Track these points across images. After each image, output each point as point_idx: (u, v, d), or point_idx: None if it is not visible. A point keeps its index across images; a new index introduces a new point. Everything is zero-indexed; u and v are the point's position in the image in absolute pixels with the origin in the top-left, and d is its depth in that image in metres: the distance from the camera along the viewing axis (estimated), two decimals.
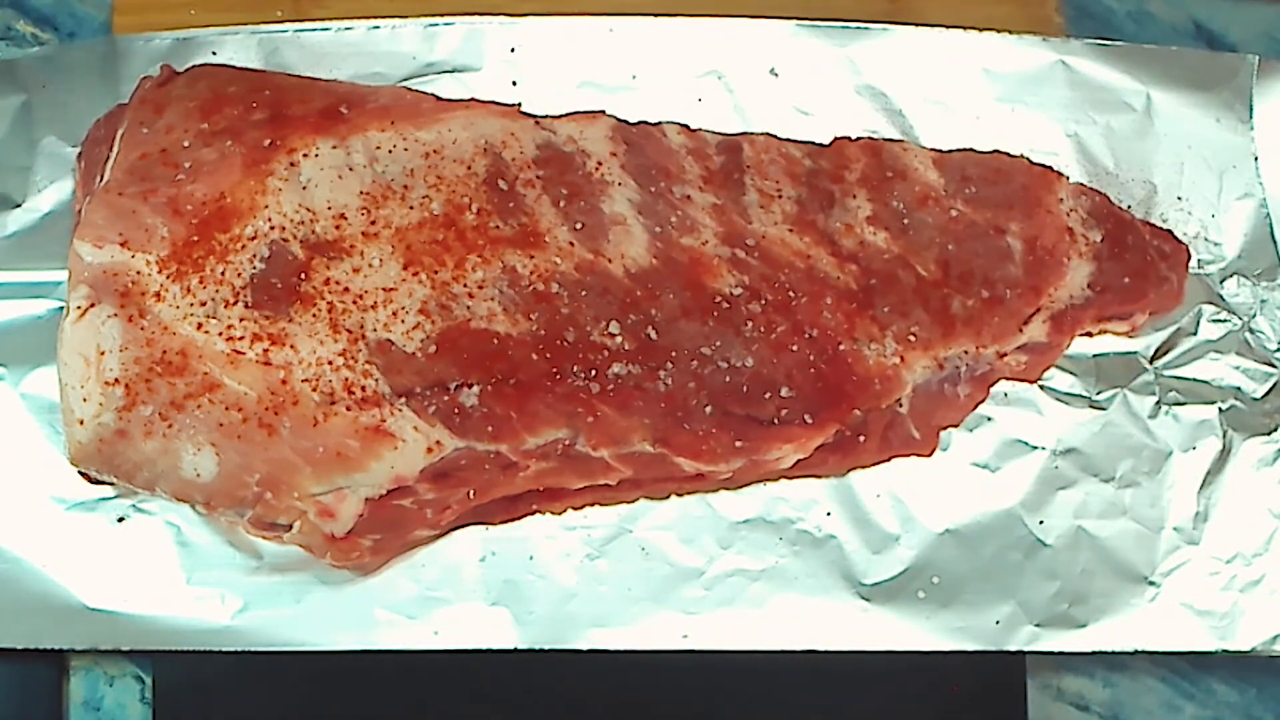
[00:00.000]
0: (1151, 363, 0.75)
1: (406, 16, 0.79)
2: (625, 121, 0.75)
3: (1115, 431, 0.73)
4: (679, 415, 0.68)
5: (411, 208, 0.70)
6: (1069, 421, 0.74)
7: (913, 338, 0.72)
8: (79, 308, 0.67)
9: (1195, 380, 0.75)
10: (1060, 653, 0.70)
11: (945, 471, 0.72)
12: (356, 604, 0.67)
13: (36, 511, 0.68)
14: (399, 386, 0.66)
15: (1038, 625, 0.69)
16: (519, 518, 0.70)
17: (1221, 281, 0.78)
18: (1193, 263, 0.77)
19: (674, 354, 0.69)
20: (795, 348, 0.70)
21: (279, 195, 0.69)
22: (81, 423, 0.65)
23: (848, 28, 0.81)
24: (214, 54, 0.78)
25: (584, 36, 0.79)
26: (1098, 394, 0.74)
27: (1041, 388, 0.74)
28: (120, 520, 0.68)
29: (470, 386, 0.67)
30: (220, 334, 0.66)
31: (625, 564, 0.69)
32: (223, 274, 0.67)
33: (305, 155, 0.70)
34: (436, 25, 0.79)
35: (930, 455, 0.72)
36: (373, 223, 0.69)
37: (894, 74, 0.81)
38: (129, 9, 0.81)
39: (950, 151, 0.77)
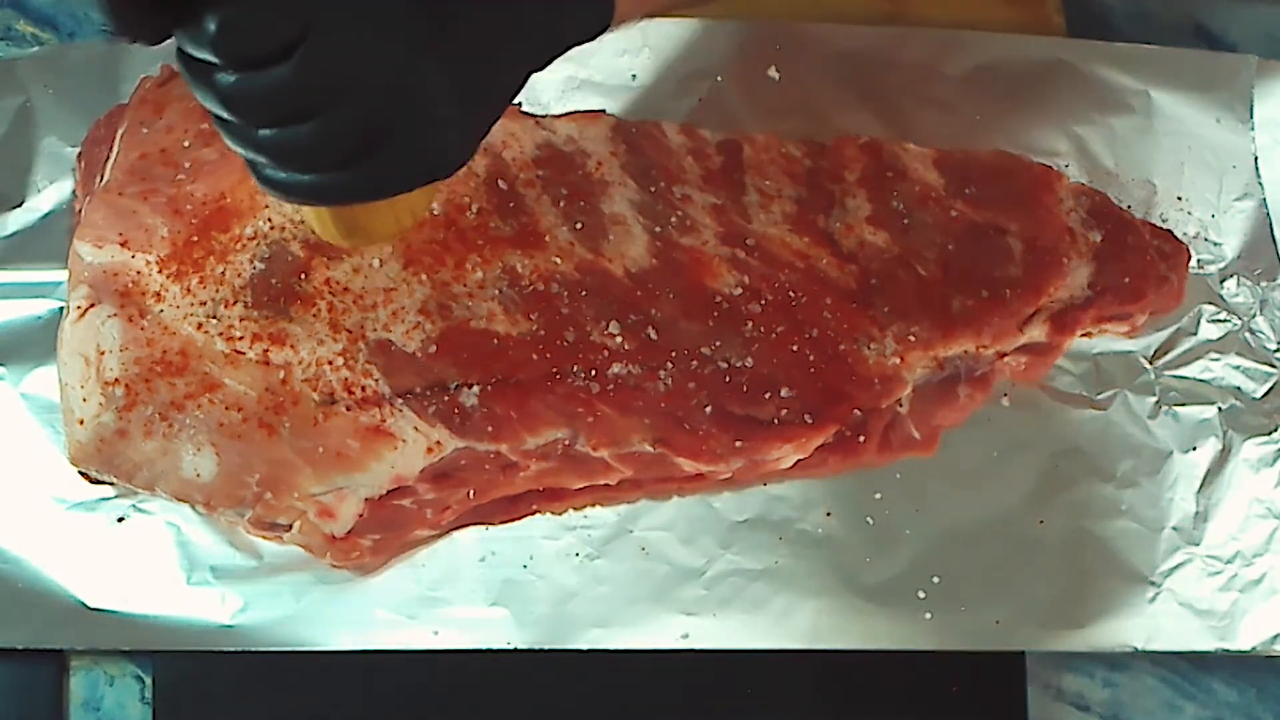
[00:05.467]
0: (1151, 363, 0.75)
1: None
2: (625, 121, 0.75)
3: (1115, 431, 0.73)
4: (679, 415, 0.68)
5: None
6: (1069, 421, 0.74)
7: (913, 338, 0.72)
8: (79, 308, 0.67)
9: (1195, 380, 0.75)
10: (1060, 653, 0.70)
11: (945, 471, 0.72)
12: (356, 604, 0.67)
13: (36, 511, 0.68)
14: (399, 386, 0.66)
15: (1038, 625, 0.69)
16: (519, 518, 0.69)
17: (1221, 281, 0.78)
18: (1193, 263, 0.77)
19: (674, 354, 0.69)
20: (795, 348, 0.70)
21: None
22: (81, 423, 0.65)
23: (848, 28, 0.81)
24: None
25: None
26: (1098, 394, 0.74)
27: (1041, 388, 0.74)
28: (120, 520, 0.68)
29: (470, 386, 0.67)
30: (220, 334, 0.66)
31: (625, 564, 0.69)
32: (223, 274, 0.67)
33: None
34: None
35: (930, 455, 0.72)
36: None
37: (894, 74, 0.81)
38: None
39: (950, 151, 0.77)
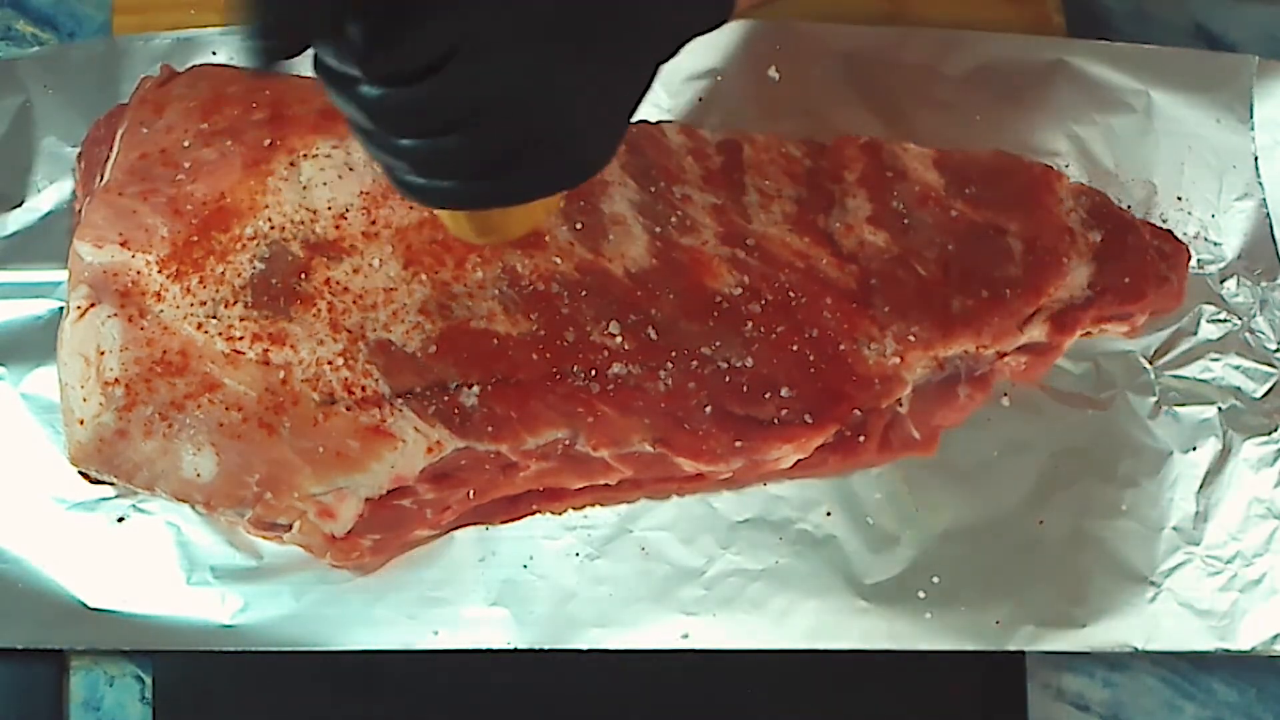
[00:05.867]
0: (1151, 363, 0.75)
1: None
2: None
3: (1115, 431, 0.73)
4: (679, 415, 0.68)
5: (411, 207, 0.70)
6: (1069, 421, 0.74)
7: (913, 338, 0.72)
8: (79, 308, 0.67)
9: (1195, 380, 0.75)
10: (1060, 653, 0.70)
11: (945, 471, 0.72)
12: (356, 604, 0.67)
13: (36, 511, 0.68)
14: (399, 386, 0.66)
15: (1038, 625, 0.69)
16: (519, 518, 0.70)
17: (1221, 281, 0.78)
18: (1193, 263, 0.77)
19: (674, 354, 0.69)
20: (795, 348, 0.70)
21: (279, 195, 0.69)
22: (81, 423, 0.65)
23: (848, 28, 0.81)
24: (214, 54, 0.78)
25: None
26: (1098, 394, 0.74)
27: (1041, 388, 0.74)
28: (120, 520, 0.68)
29: (470, 386, 0.67)
30: (220, 334, 0.66)
31: (625, 564, 0.69)
32: (223, 274, 0.67)
33: (305, 155, 0.70)
34: None
35: (930, 455, 0.72)
36: (373, 223, 0.69)
37: (894, 74, 0.81)
38: (129, 9, 0.81)
39: (950, 151, 0.77)
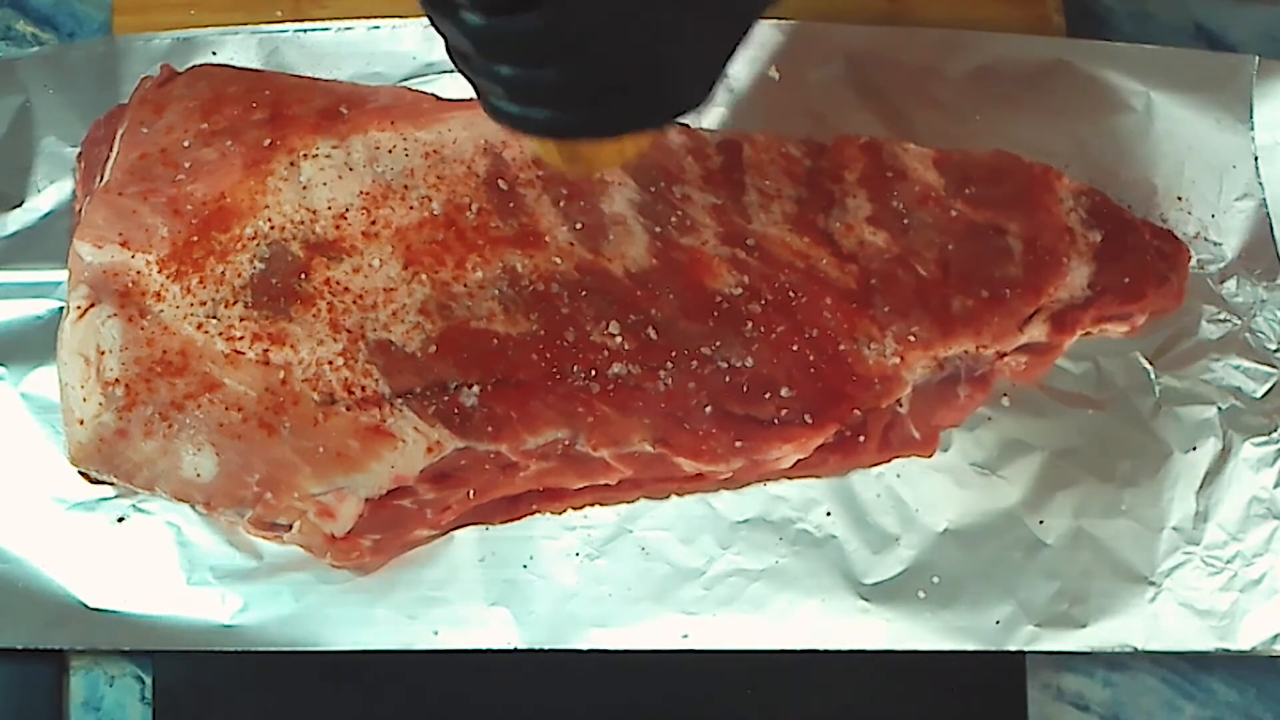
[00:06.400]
0: (1151, 363, 0.75)
1: (406, 16, 0.79)
2: None
3: (1115, 431, 0.73)
4: (679, 415, 0.68)
5: (411, 208, 0.70)
6: (1069, 421, 0.74)
7: (913, 338, 0.72)
8: (79, 308, 0.67)
9: (1195, 380, 0.75)
10: (1060, 652, 0.70)
11: (945, 471, 0.72)
12: (356, 604, 0.67)
13: (36, 511, 0.68)
14: (399, 386, 0.66)
15: (1038, 625, 0.69)
16: (519, 518, 0.70)
17: (1221, 281, 0.78)
18: (1193, 263, 0.77)
19: (674, 354, 0.69)
20: (795, 348, 0.70)
21: (279, 195, 0.69)
22: (81, 423, 0.65)
23: (848, 28, 0.81)
24: (214, 54, 0.78)
25: None
26: (1098, 394, 0.74)
27: (1041, 388, 0.74)
28: (120, 520, 0.68)
29: (470, 386, 0.67)
30: (220, 334, 0.66)
31: (625, 564, 0.69)
32: (223, 274, 0.67)
33: (305, 155, 0.70)
34: None
35: (930, 455, 0.72)
36: (373, 223, 0.69)
37: (894, 74, 0.81)
38: (129, 9, 0.81)
39: (950, 151, 0.77)
